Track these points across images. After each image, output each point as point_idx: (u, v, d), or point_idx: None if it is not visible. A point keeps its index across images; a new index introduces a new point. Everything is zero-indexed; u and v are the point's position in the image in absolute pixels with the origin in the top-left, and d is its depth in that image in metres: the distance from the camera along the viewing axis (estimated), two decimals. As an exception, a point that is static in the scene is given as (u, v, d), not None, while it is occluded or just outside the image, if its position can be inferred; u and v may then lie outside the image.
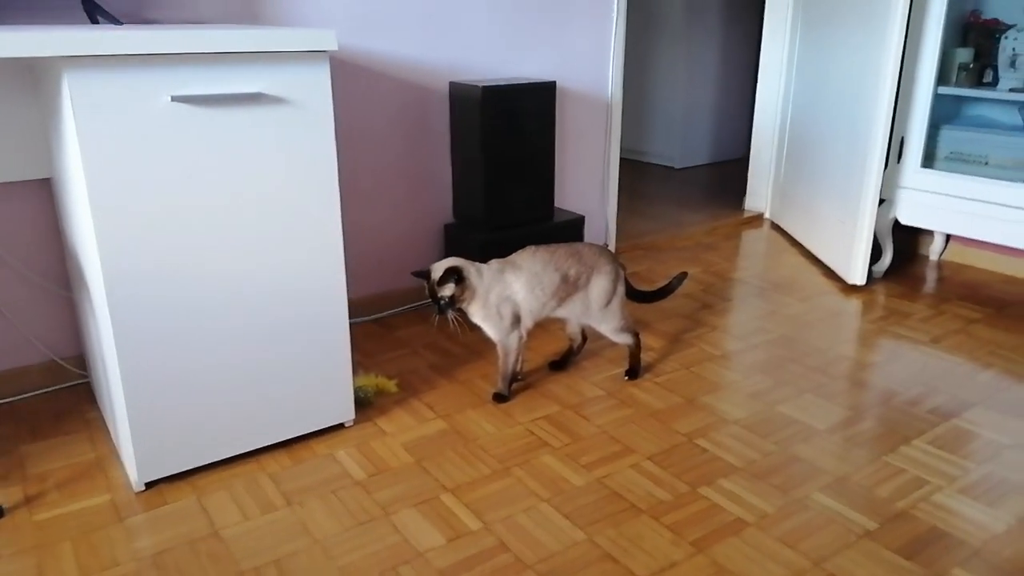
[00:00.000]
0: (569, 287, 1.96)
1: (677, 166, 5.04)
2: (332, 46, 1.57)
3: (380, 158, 2.47)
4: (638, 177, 4.76)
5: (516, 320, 1.94)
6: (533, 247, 1.97)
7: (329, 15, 2.25)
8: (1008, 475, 1.69)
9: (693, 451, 1.78)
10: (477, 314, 1.94)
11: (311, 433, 1.84)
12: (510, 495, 1.62)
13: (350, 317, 2.50)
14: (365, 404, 1.97)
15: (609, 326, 2.04)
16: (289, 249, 1.66)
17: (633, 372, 2.12)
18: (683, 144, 5.02)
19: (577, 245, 2.01)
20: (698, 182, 4.61)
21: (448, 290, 1.87)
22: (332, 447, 1.80)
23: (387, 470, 1.71)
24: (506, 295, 1.91)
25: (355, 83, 2.35)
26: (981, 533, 1.50)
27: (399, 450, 1.79)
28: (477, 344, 2.33)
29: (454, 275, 1.86)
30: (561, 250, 1.97)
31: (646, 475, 1.69)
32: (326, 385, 1.80)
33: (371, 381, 2.02)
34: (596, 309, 2.01)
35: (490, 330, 1.96)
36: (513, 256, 1.97)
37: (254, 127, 1.54)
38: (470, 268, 1.91)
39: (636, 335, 2.09)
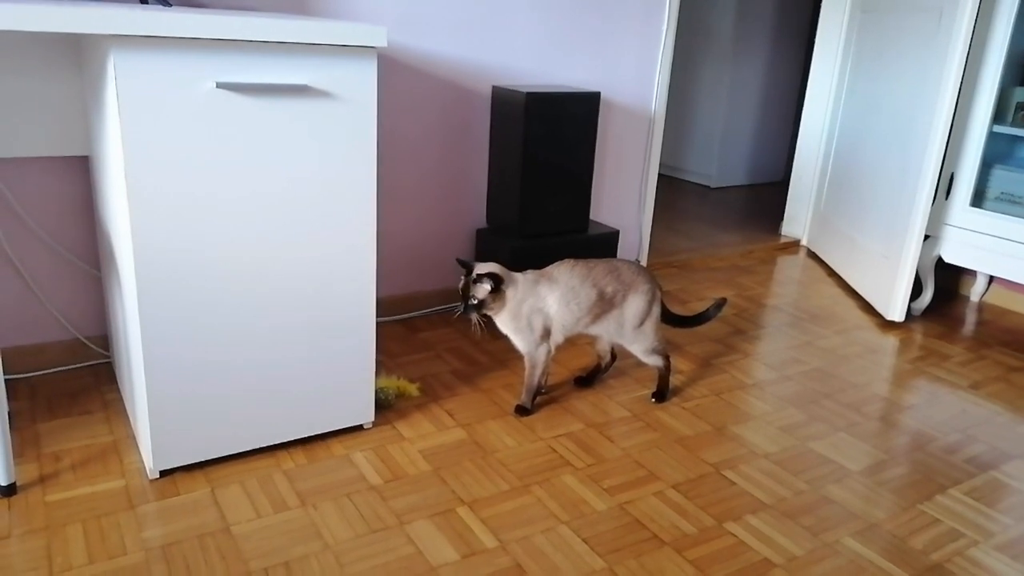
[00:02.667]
0: (605, 304, 1.91)
1: (713, 185, 4.97)
2: (382, 42, 1.54)
3: (416, 157, 2.44)
4: (673, 193, 4.69)
5: (546, 333, 1.89)
6: (571, 260, 1.93)
7: (375, 11, 2.23)
8: (1049, 535, 1.61)
9: (720, 483, 1.72)
10: (507, 324, 1.89)
11: (329, 432, 1.81)
12: (528, 514, 1.57)
13: (376, 316, 2.46)
14: (385, 407, 1.93)
15: (641, 347, 1.99)
16: (322, 244, 1.62)
17: (661, 395, 2.06)
18: (720, 163, 4.95)
19: (616, 262, 1.96)
20: (734, 203, 4.54)
21: (481, 292, 1.82)
22: (350, 448, 1.76)
23: (404, 477, 1.67)
24: (539, 307, 1.87)
25: (396, 81, 2.32)
26: (1019, 595, 1.43)
27: (417, 457, 1.75)
28: (502, 353, 2.29)
29: (492, 280, 1.82)
30: (600, 266, 1.92)
31: (671, 505, 1.63)
32: (348, 384, 1.76)
33: (392, 383, 1.98)
34: (629, 329, 1.96)
35: (519, 341, 1.91)
36: (550, 268, 1.92)
37: (297, 119, 1.51)
38: (507, 279, 1.87)
39: (667, 358, 2.04)
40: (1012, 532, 1.62)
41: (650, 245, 3.32)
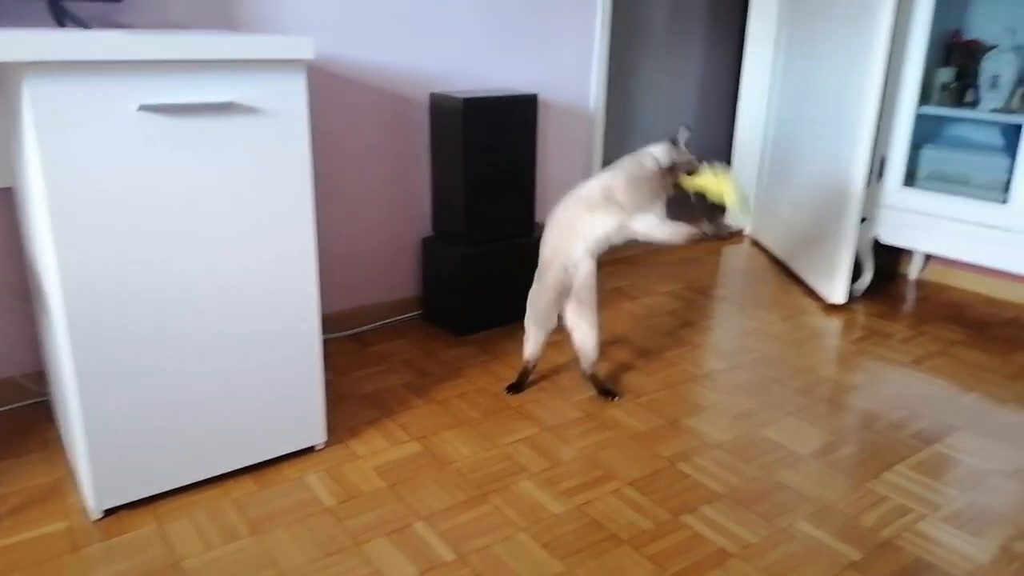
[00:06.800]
0: None
1: (658, 179, 5.01)
2: (309, 54, 1.52)
3: (357, 169, 2.41)
4: (619, 190, 4.72)
5: None
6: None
7: (308, 22, 2.19)
8: (991, 503, 1.66)
9: (676, 476, 1.73)
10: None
11: (280, 456, 1.77)
12: (486, 524, 1.56)
13: (324, 332, 2.43)
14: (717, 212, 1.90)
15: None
16: (260, 264, 1.59)
17: (517, 387, 2.12)
18: (664, 157, 4.99)
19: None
20: (679, 196, 4.58)
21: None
22: (302, 471, 1.73)
23: (359, 496, 1.65)
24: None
25: (334, 92, 2.29)
26: (966, 564, 1.47)
27: (371, 474, 1.72)
28: (456, 361, 2.27)
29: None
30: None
31: (627, 502, 1.64)
32: (296, 405, 1.73)
33: (713, 182, 1.84)
34: None
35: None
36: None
37: (225, 137, 1.48)
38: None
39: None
40: (957, 503, 1.66)
41: (598, 243, 3.33)
